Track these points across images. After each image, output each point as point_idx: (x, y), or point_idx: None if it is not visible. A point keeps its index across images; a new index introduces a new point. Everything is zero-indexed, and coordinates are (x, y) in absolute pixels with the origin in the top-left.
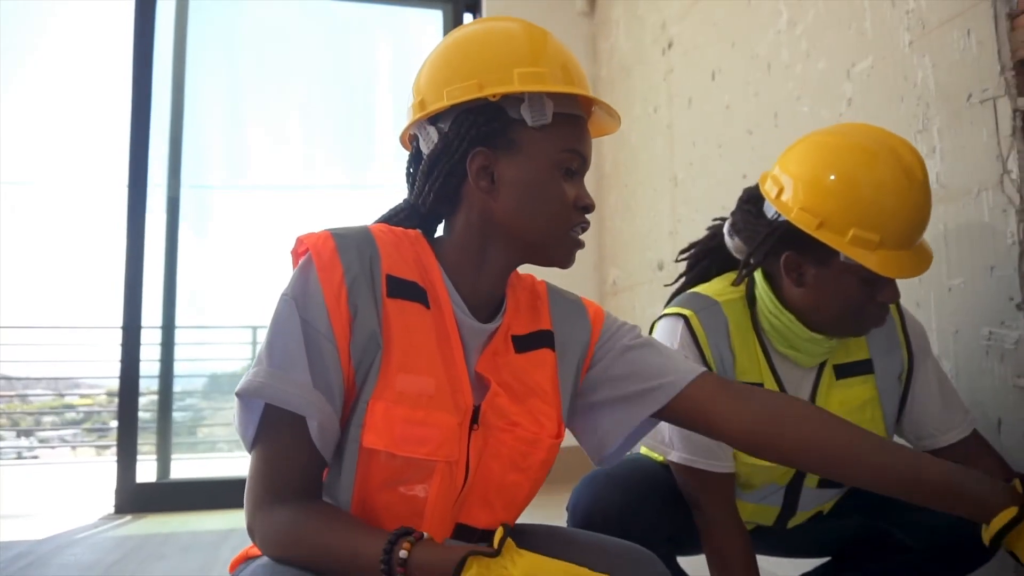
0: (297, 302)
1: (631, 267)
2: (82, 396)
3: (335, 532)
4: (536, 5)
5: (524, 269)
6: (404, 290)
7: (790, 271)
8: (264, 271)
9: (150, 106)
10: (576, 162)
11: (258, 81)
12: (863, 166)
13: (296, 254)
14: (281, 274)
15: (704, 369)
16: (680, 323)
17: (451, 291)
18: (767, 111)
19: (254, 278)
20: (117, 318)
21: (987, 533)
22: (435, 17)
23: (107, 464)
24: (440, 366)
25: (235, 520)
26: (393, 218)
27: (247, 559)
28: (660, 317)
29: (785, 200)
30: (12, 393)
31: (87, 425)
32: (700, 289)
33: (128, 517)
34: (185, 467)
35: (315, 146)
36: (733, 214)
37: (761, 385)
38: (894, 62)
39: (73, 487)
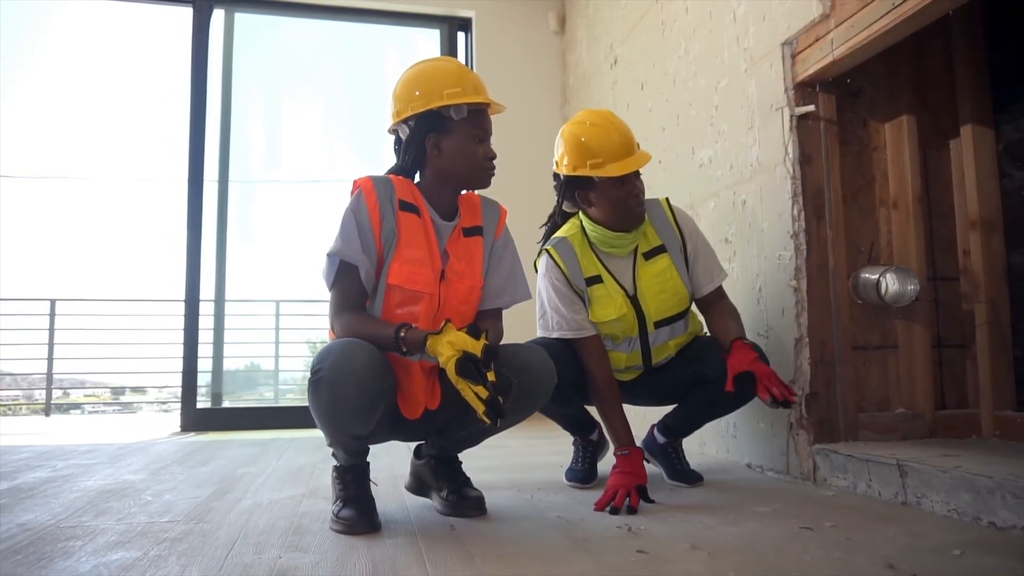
0: (354, 212)
1: None
2: (86, 395)
3: (372, 324)
4: (518, 26)
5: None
6: (407, 207)
7: (583, 201)
8: (290, 255)
9: (205, 116)
10: (482, 134)
11: (290, 91)
12: (590, 131)
13: (352, 191)
14: (302, 264)
15: (506, 308)
16: (546, 256)
17: (429, 207)
18: (672, 114)
19: (281, 261)
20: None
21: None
22: (434, 35)
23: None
24: (425, 245)
25: (275, 434)
26: (395, 172)
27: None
28: (539, 256)
29: (563, 166)
30: (17, 391)
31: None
32: (556, 234)
33: (192, 433)
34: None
35: (337, 144)
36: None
37: (600, 277)
38: (738, 82)
39: (132, 426)
